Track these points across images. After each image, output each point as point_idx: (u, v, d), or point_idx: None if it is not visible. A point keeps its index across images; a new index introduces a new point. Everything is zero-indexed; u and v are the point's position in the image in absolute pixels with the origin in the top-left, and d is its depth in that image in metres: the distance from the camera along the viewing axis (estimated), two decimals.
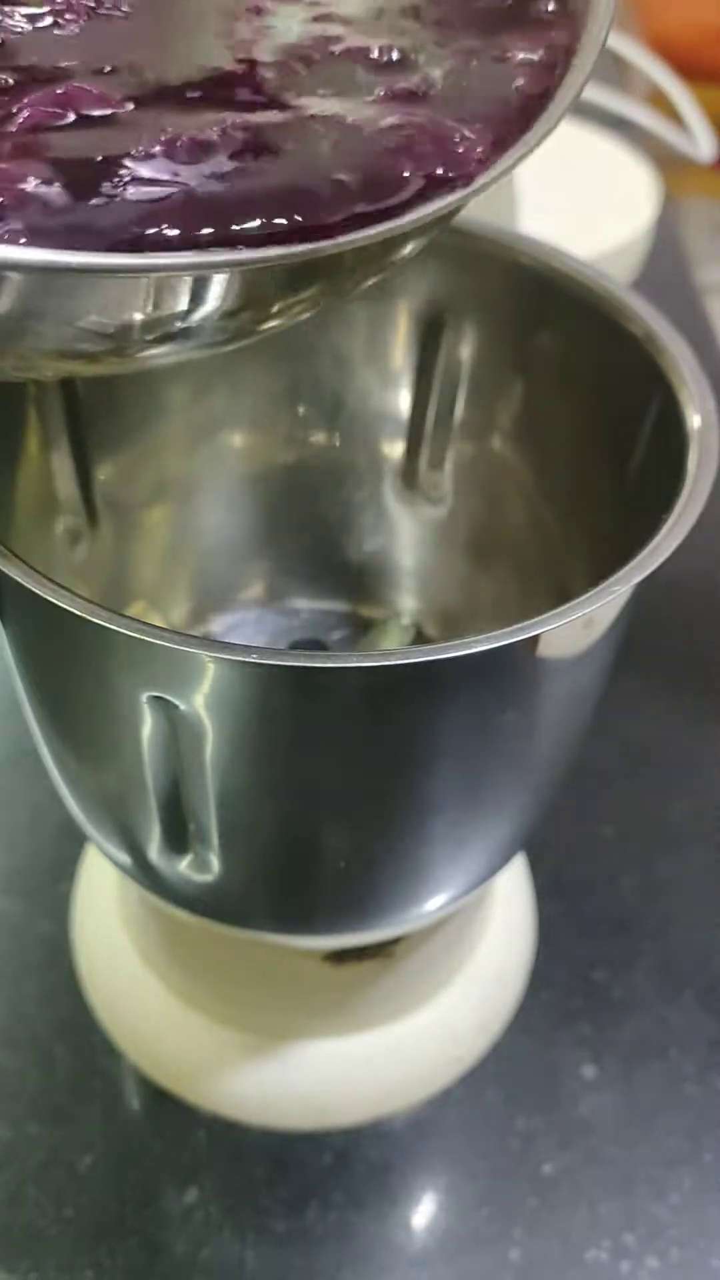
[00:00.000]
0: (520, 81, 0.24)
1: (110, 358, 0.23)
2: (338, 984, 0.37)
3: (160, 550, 0.42)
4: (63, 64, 0.23)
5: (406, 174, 0.22)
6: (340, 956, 0.36)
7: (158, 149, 0.21)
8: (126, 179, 0.21)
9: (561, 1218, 0.37)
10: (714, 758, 0.51)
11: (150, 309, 0.22)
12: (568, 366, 0.35)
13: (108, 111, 0.22)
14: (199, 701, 0.25)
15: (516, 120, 0.24)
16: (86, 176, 0.21)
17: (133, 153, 0.21)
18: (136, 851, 0.32)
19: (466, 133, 0.23)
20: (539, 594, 0.38)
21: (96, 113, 0.22)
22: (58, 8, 0.25)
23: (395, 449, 0.40)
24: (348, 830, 0.29)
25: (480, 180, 0.23)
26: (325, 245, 0.21)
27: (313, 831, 0.29)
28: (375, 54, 0.25)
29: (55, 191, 0.20)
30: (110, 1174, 0.38)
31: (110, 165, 0.21)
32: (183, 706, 0.25)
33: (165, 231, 0.20)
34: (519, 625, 0.24)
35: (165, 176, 0.21)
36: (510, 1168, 0.38)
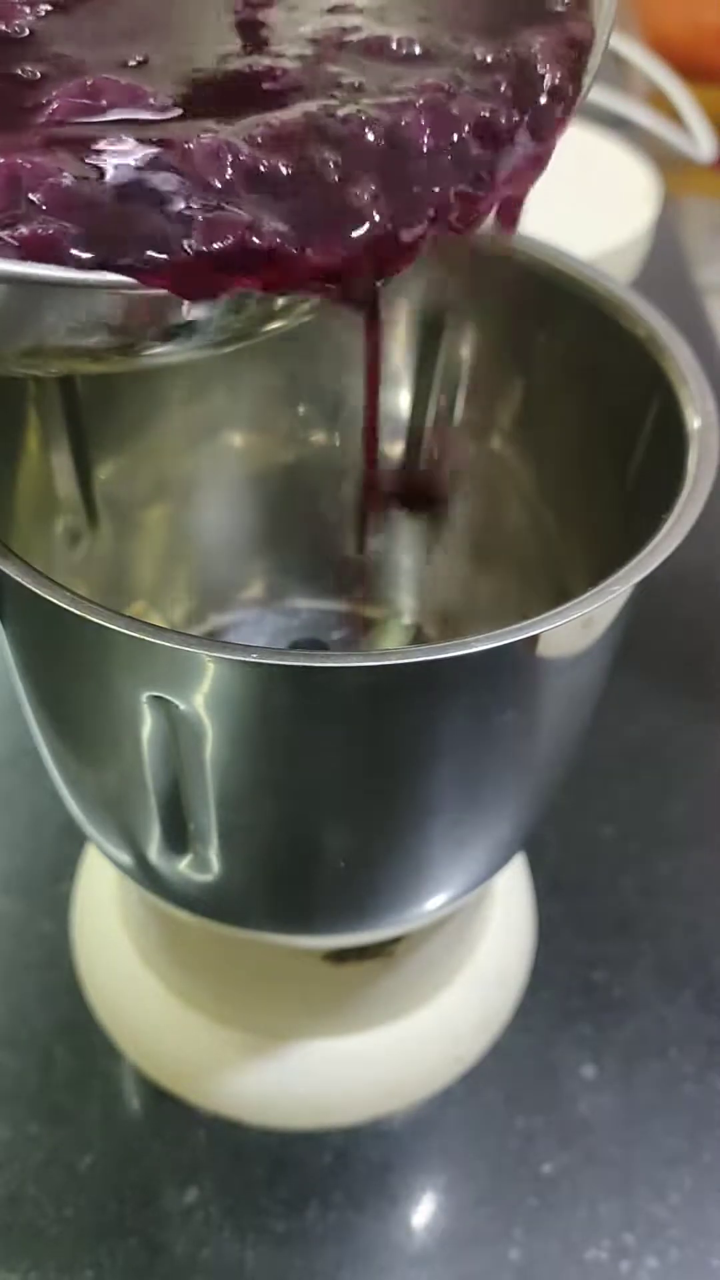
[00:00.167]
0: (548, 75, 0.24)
1: (113, 356, 0.23)
2: (338, 984, 0.37)
3: (160, 550, 0.42)
4: (86, 56, 0.23)
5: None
6: (340, 956, 0.36)
7: (191, 158, 0.21)
8: (158, 185, 0.21)
9: (561, 1217, 0.37)
10: (713, 758, 0.51)
11: (152, 316, 0.22)
12: (568, 366, 0.35)
13: (146, 116, 0.22)
14: (199, 701, 0.25)
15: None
16: (122, 175, 0.20)
17: (169, 162, 0.21)
18: (136, 851, 0.32)
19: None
20: (539, 594, 0.38)
21: (132, 116, 0.22)
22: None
23: (395, 449, 0.40)
24: (348, 830, 0.29)
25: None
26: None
27: (313, 831, 0.29)
28: (396, 46, 0.24)
29: (89, 187, 0.20)
30: (110, 1174, 0.38)
31: (144, 171, 0.21)
32: (182, 706, 0.25)
33: (190, 243, 0.20)
34: (518, 625, 0.24)
35: (198, 189, 0.21)
36: (510, 1167, 0.38)
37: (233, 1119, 0.39)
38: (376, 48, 0.24)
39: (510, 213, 0.25)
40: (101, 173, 0.20)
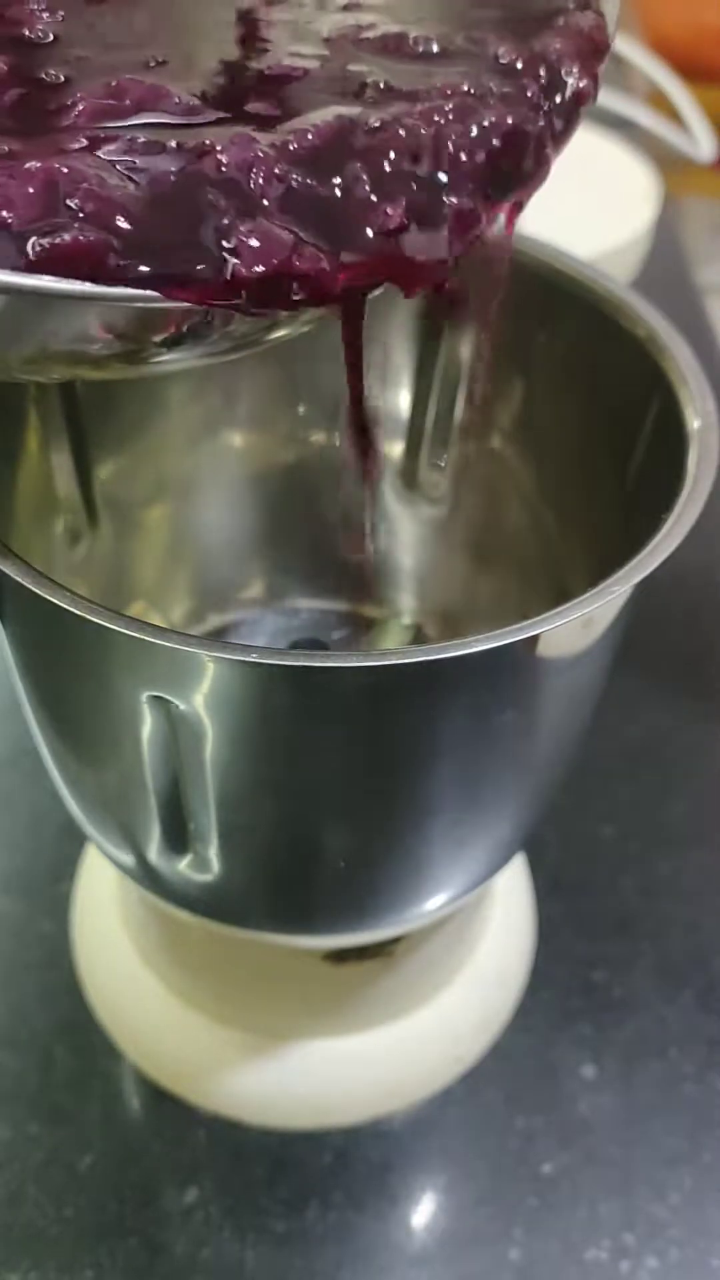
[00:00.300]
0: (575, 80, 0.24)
1: (116, 364, 0.23)
2: (338, 984, 0.37)
3: (160, 550, 0.42)
4: (106, 59, 0.23)
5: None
6: (340, 956, 0.36)
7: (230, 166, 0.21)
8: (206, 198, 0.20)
9: (561, 1217, 0.37)
10: (713, 758, 0.51)
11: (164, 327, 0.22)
12: (568, 366, 0.35)
13: (173, 118, 0.22)
14: (199, 701, 0.25)
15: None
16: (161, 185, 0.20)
17: (203, 171, 0.20)
18: (136, 851, 0.32)
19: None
20: (539, 594, 0.38)
21: (159, 119, 0.22)
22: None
23: (395, 449, 0.40)
24: (347, 830, 0.29)
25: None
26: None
27: (313, 831, 0.29)
28: (414, 44, 0.24)
29: (125, 194, 0.20)
30: (110, 1174, 0.38)
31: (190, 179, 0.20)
32: (182, 706, 0.25)
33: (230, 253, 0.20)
34: (518, 625, 0.24)
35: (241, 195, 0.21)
36: (510, 1167, 0.38)
37: (233, 1119, 0.39)
38: (394, 46, 0.24)
39: (511, 216, 0.25)
40: (135, 180, 0.20)
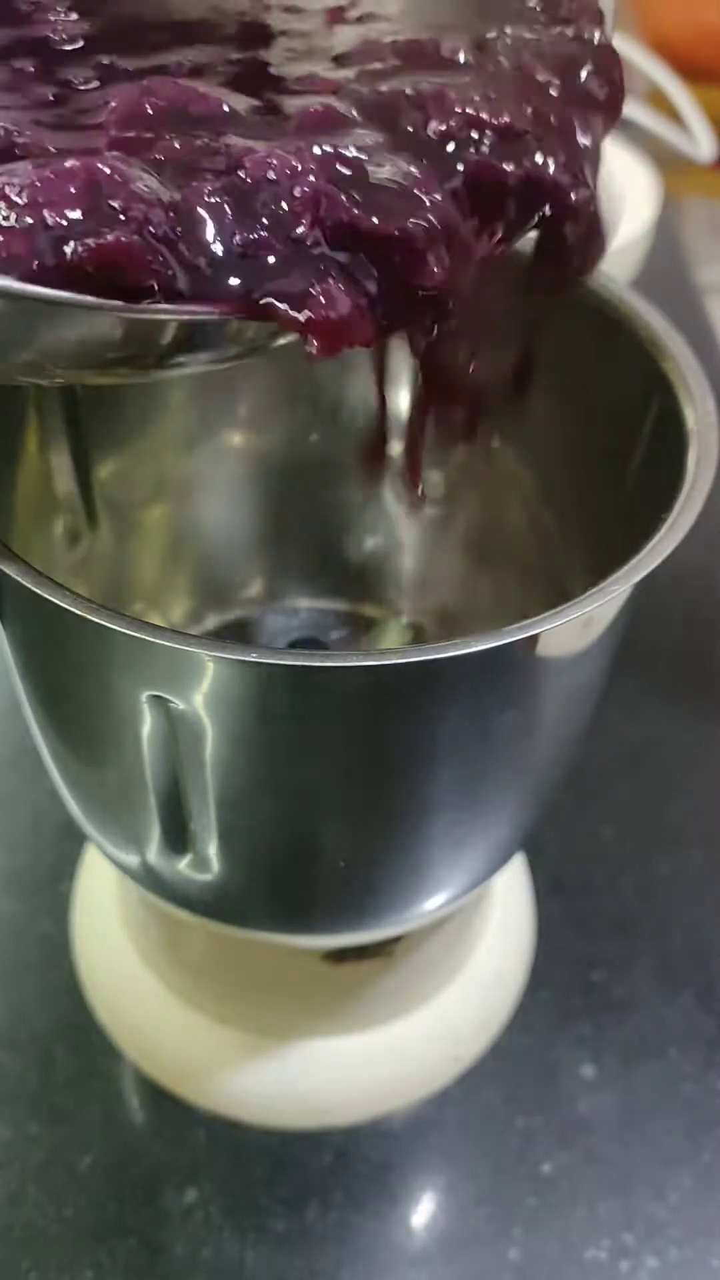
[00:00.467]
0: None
1: (121, 370, 0.23)
2: (337, 983, 0.37)
3: (160, 550, 0.42)
4: (132, 64, 0.23)
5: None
6: (340, 956, 0.36)
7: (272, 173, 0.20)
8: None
9: (561, 1217, 0.37)
10: (713, 758, 0.51)
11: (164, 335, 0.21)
12: (568, 366, 0.35)
13: (210, 120, 0.22)
14: (198, 701, 0.25)
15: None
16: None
17: (246, 182, 0.20)
18: (136, 851, 0.32)
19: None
20: (538, 593, 0.38)
21: (196, 118, 0.21)
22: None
23: (395, 449, 0.40)
24: (347, 829, 0.29)
25: None
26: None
27: (312, 830, 0.29)
28: (442, 52, 0.24)
29: (167, 196, 0.20)
30: (110, 1174, 0.38)
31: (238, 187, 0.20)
32: (182, 706, 0.25)
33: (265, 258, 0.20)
34: (518, 625, 0.24)
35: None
36: (509, 1167, 0.38)
37: (232, 1119, 0.39)
38: (419, 52, 0.24)
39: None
40: (175, 183, 0.20)
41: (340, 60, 0.24)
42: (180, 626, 0.42)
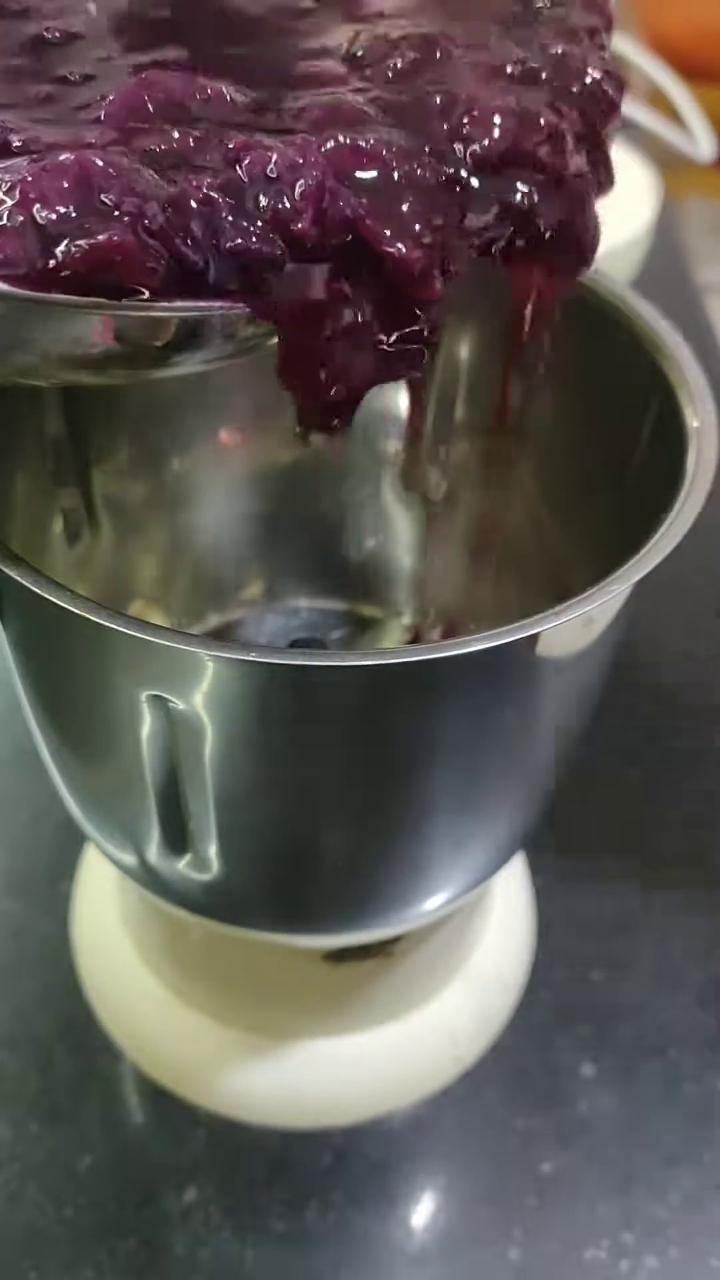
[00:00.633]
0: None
1: (117, 370, 0.22)
2: (337, 983, 0.37)
3: (160, 549, 0.42)
4: (127, 60, 0.23)
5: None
6: (339, 956, 0.36)
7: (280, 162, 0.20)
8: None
9: (561, 1217, 0.37)
10: (714, 757, 0.51)
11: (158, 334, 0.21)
12: (568, 366, 0.35)
13: (209, 115, 0.21)
14: (198, 700, 0.25)
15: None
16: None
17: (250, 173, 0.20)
18: (135, 851, 0.32)
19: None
20: (538, 593, 0.38)
21: (194, 115, 0.21)
22: None
23: (395, 448, 0.40)
24: (346, 829, 0.29)
25: None
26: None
27: (311, 830, 0.29)
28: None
29: (163, 191, 0.19)
30: (110, 1174, 0.38)
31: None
32: (182, 705, 0.25)
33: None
34: (517, 624, 0.23)
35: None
36: (510, 1167, 0.38)
37: (232, 1118, 0.39)
38: (434, 50, 0.24)
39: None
40: (173, 178, 0.19)
41: (351, 55, 0.24)
42: (181, 625, 0.42)
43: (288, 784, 0.27)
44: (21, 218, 0.18)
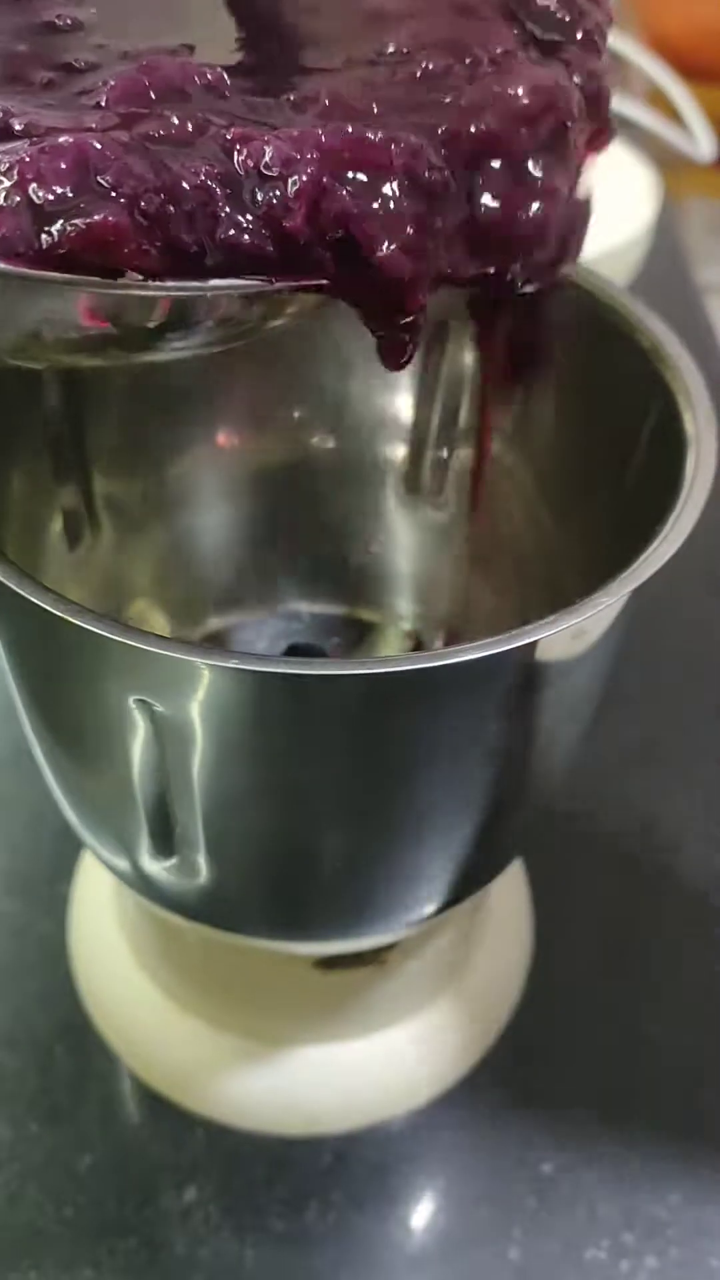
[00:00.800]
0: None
1: (113, 351, 0.22)
2: (329, 991, 0.37)
3: (159, 552, 0.42)
4: (130, 46, 0.23)
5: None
6: (330, 963, 0.36)
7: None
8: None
9: (560, 1217, 0.37)
10: (714, 758, 0.51)
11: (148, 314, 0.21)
12: (567, 372, 0.35)
13: (211, 100, 0.21)
14: (191, 708, 0.25)
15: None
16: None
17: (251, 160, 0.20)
18: (129, 856, 0.31)
19: None
20: (539, 600, 0.38)
21: (195, 99, 0.21)
22: None
23: (398, 453, 0.40)
24: (339, 837, 0.29)
25: None
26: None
27: (304, 838, 0.29)
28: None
29: (162, 174, 0.19)
30: (110, 1173, 0.38)
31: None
32: (174, 712, 0.25)
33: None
34: (514, 632, 0.23)
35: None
36: (509, 1167, 0.38)
37: (227, 1124, 0.39)
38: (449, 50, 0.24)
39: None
40: (169, 164, 0.19)
41: (357, 49, 0.24)
42: (180, 629, 0.42)
43: (280, 792, 0.27)
44: (19, 198, 0.18)
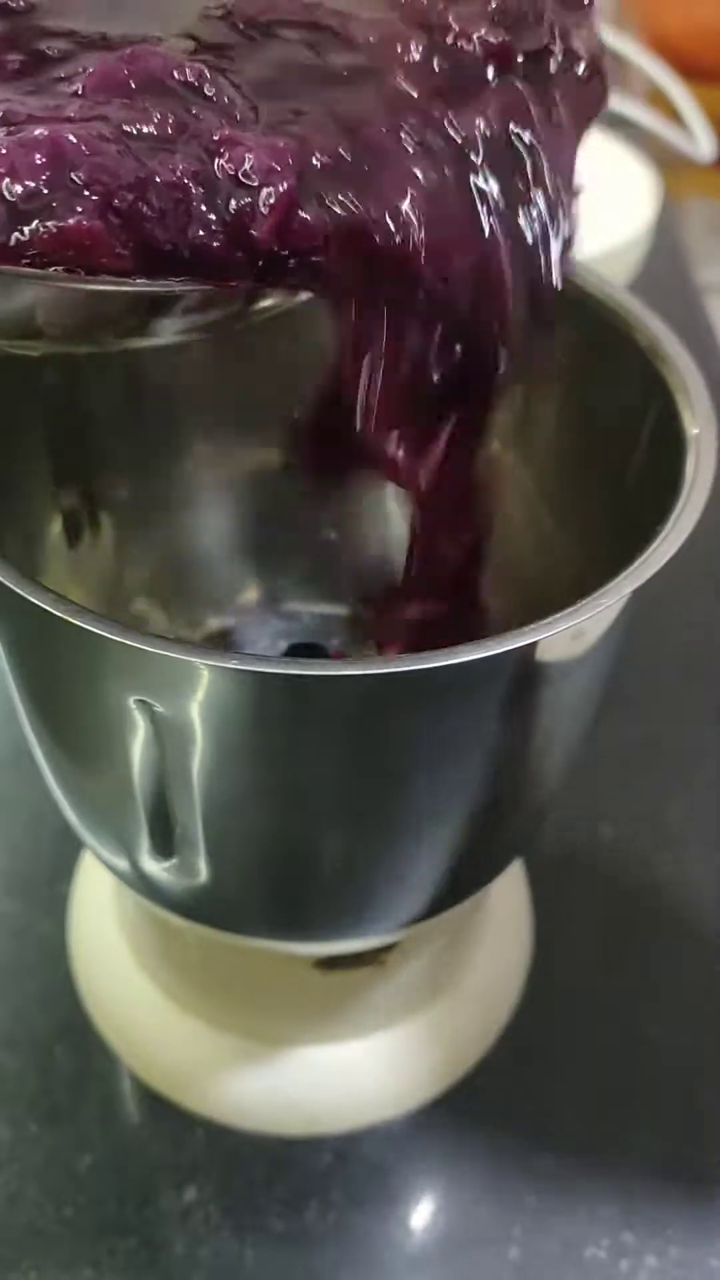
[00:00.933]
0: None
1: (103, 339, 0.22)
2: (329, 991, 0.37)
3: (160, 551, 0.42)
4: (104, 33, 0.22)
5: None
6: (330, 964, 0.36)
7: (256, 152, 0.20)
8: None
9: (561, 1217, 0.37)
10: (714, 758, 0.51)
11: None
12: (567, 372, 0.35)
13: (189, 93, 0.21)
14: (191, 708, 0.25)
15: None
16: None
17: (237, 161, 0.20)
18: (128, 856, 0.31)
19: None
20: (539, 601, 0.38)
21: (175, 91, 0.21)
22: None
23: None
24: (338, 837, 0.29)
25: None
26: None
27: (303, 838, 0.29)
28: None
29: (138, 169, 0.19)
30: (110, 1173, 0.38)
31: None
32: (174, 713, 0.25)
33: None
34: (514, 632, 0.23)
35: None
36: (509, 1167, 0.38)
37: (226, 1124, 0.39)
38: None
39: None
40: (146, 160, 0.19)
41: (350, 46, 0.24)
42: (181, 629, 0.42)
43: (279, 792, 0.27)
44: None
